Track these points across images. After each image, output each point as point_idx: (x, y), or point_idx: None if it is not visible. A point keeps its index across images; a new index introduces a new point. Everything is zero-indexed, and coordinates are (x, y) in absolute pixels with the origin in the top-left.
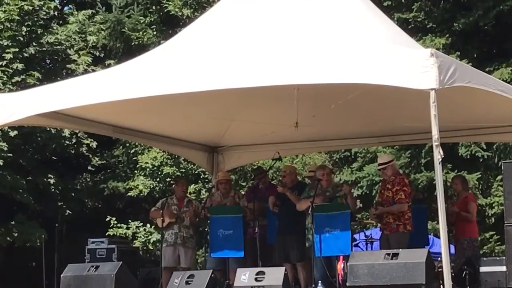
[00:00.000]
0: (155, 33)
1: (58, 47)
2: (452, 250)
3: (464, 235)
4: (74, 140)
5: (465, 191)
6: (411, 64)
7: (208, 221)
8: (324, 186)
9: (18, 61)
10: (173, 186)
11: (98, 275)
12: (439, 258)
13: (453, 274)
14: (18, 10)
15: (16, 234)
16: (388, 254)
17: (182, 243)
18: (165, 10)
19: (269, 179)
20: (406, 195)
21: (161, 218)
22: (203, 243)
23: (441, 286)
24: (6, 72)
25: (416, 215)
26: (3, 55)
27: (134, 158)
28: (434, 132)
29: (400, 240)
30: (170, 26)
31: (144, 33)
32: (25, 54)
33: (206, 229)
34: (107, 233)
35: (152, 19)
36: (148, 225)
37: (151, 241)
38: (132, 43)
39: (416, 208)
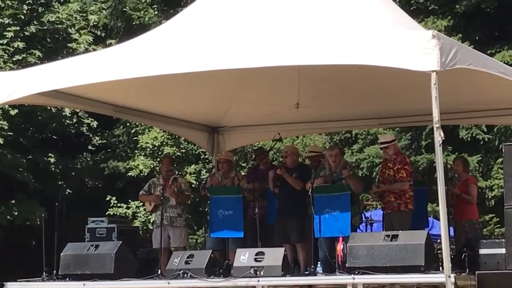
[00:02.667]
0: (156, 12)
1: (59, 26)
2: (452, 232)
3: (465, 217)
4: (74, 119)
5: (466, 173)
6: (412, 46)
7: (208, 201)
8: (333, 167)
9: (19, 39)
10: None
11: (98, 254)
12: (439, 240)
13: (452, 256)
14: None
15: (16, 213)
16: (388, 236)
17: (169, 224)
18: None
19: (269, 160)
20: (408, 173)
21: (148, 202)
22: (203, 223)
23: (440, 267)
24: (7, 51)
25: (416, 197)
26: (4, 33)
27: (135, 138)
28: (434, 114)
29: (403, 219)
30: (171, 5)
31: (145, 13)
32: (26, 33)
33: (206, 209)
34: (107, 213)
35: None
36: None
37: (151, 220)
38: (133, 23)
39: (416, 190)
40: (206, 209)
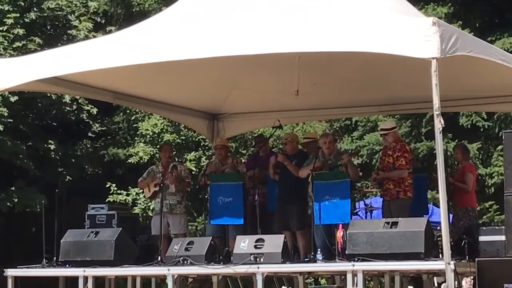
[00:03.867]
0: None
1: (59, 12)
2: (451, 220)
3: (460, 205)
4: (74, 106)
5: (465, 161)
6: (413, 33)
7: (208, 188)
8: (327, 154)
9: (19, 26)
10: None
11: (98, 241)
12: (439, 227)
13: (452, 243)
14: None
15: (16, 200)
16: (388, 223)
17: (168, 211)
18: None
19: (269, 147)
20: (407, 161)
21: (147, 188)
22: (202, 210)
23: (440, 255)
24: (7, 38)
25: (416, 184)
26: (4, 20)
27: (135, 125)
28: (435, 101)
29: (401, 206)
30: None
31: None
32: (26, 20)
33: (206, 196)
34: (107, 200)
35: None
36: None
37: (151, 207)
38: (133, 9)
39: (416, 177)
40: (206, 196)
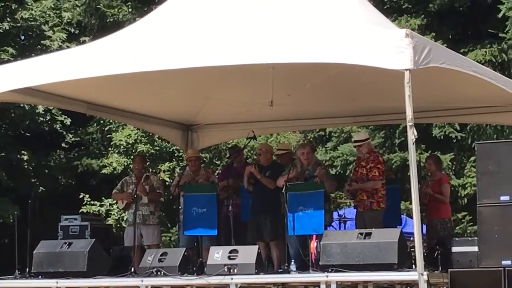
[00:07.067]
0: (130, 10)
1: (33, 23)
2: (424, 230)
3: (437, 216)
4: (48, 117)
5: (439, 172)
6: (386, 44)
7: (181, 199)
8: (305, 164)
9: None
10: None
11: (71, 252)
12: (412, 238)
13: (425, 254)
14: None
15: None
16: (361, 234)
17: (141, 222)
18: None
19: (244, 157)
20: (380, 172)
21: (120, 200)
22: (176, 221)
23: (413, 265)
24: None
25: (389, 195)
26: None
27: (108, 135)
28: (408, 113)
29: (375, 217)
30: (145, 3)
31: (120, 10)
32: None
33: (180, 207)
34: (80, 210)
35: None
36: None
37: (124, 218)
38: (107, 20)
39: (389, 188)
40: (179, 207)
